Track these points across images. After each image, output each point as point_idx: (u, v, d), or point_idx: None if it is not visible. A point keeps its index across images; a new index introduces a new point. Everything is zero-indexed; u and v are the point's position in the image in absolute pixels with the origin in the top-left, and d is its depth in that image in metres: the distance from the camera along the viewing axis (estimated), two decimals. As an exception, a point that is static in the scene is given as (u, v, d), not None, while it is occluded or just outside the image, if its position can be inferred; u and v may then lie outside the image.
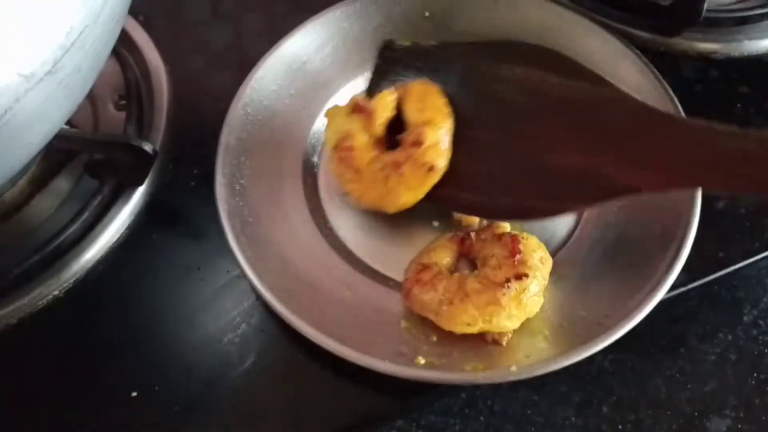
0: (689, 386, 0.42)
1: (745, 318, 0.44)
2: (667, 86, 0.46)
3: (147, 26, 0.54)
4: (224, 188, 0.42)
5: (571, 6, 0.51)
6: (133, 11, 0.54)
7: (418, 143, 0.39)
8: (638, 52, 0.47)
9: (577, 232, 0.43)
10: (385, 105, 0.42)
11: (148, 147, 0.40)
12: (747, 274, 0.45)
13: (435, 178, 0.40)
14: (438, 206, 0.43)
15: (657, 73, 0.46)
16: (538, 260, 0.38)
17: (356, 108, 0.42)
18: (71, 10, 0.30)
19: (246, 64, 0.48)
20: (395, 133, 0.42)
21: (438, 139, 0.40)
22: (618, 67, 0.47)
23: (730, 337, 0.43)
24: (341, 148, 0.41)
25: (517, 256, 0.38)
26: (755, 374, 0.42)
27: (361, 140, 0.41)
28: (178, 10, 0.59)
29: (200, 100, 0.52)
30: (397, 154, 0.40)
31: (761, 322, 0.43)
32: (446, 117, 0.41)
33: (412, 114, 0.41)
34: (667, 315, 0.39)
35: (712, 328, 0.43)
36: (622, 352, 0.39)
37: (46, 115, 0.32)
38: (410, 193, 0.40)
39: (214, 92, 0.51)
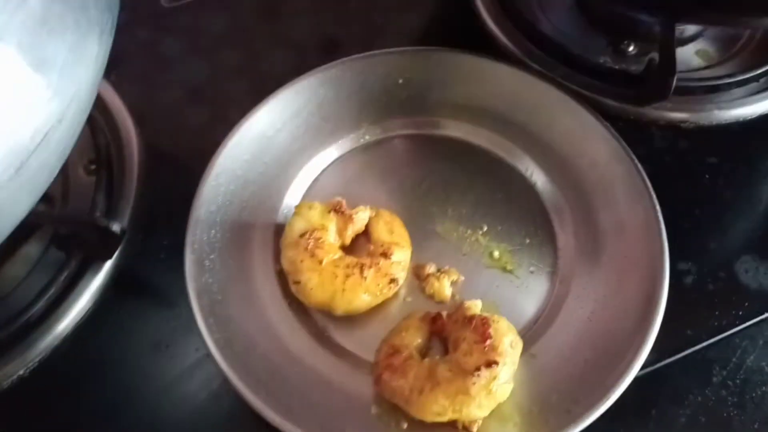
0: (659, 450, 0.42)
1: (714, 379, 0.44)
2: (635, 160, 0.46)
3: (118, 87, 0.53)
4: (193, 265, 0.42)
5: (544, 74, 0.51)
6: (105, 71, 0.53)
7: (386, 255, 0.43)
8: (607, 124, 0.47)
9: (547, 310, 0.43)
10: (360, 219, 0.45)
11: (115, 227, 0.39)
12: (716, 334, 0.45)
13: (392, 291, 0.43)
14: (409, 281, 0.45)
15: (626, 146, 0.46)
16: (509, 345, 0.38)
17: (337, 208, 0.45)
18: (36, 112, 0.30)
19: (221, 125, 0.48)
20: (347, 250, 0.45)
21: (403, 259, 0.44)
22: (587, 139, 0.48)
23: (699, 398, 0.43)
24: (310, 237, 0.43)
25: (488, 342, 0.38)
26: (724, 437, 0.43)
27: (331, 237, 0.44)
28: (151, 68, 0.58)
29: (172, 163, 0.51)
30: (363, 259, 0.43)
31: (730, 383, 0.44)
32: (409, 246, 0.45)
33: (381, 233, 0.45)
34: (638, 376, 0.40)
35: (683, 389, 0.44)
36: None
37: (8, 212, 0.31)
38: (365, 297, 0.42)
39: (187, 155, 0.51)
